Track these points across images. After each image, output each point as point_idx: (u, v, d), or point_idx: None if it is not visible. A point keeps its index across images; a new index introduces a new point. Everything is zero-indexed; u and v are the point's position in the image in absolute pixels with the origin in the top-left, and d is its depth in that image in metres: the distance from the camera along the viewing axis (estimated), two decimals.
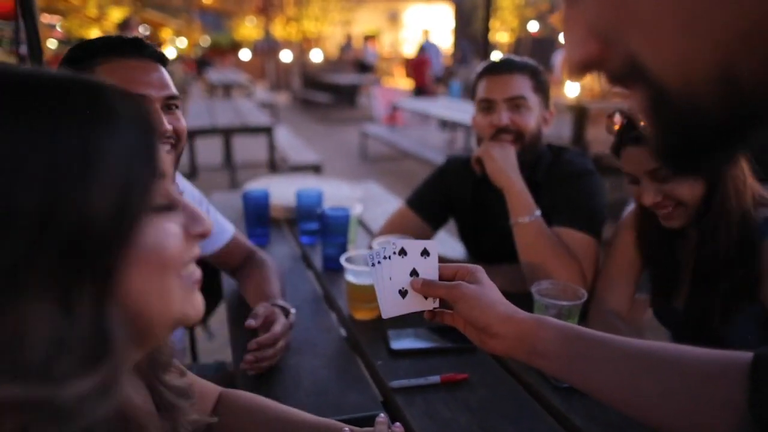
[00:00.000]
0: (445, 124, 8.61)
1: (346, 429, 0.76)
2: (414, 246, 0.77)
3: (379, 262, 0.76)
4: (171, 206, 0.47)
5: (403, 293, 0.76)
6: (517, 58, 1.47)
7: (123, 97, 0.43)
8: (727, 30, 0.28)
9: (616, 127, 1.19)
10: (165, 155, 0.46)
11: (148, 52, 1.03)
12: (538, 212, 1.33)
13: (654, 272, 1.27)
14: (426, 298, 0.77)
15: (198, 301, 0.50)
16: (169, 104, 1.05)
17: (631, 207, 1.32)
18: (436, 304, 0.78)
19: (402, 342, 1.16)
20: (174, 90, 1.06)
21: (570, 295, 1.13)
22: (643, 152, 1.13)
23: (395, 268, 0.76)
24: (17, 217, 0.35)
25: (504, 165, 1.37)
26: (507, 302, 0.74)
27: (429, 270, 0.77)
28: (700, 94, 0.30)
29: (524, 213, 1.33)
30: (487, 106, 1.44)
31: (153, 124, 0.44)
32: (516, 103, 1.41)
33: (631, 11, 0.31)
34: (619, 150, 1.18)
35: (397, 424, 0.78)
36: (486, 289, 0.74)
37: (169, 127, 1.03)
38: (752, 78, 0.29)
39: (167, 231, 0.45)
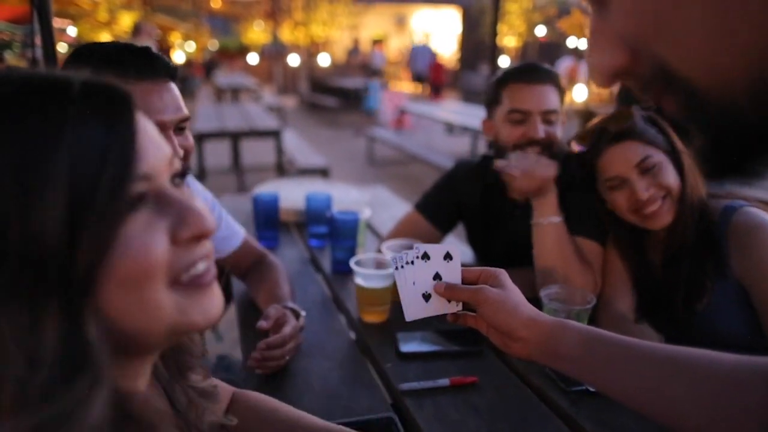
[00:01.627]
0: (452, 129, 8.62)
1: None
2: (437, 250, 0.78)
3: (402, 267, 0.77)
4: (157, 209, 0.45)
5: (426, 297, 0.77)
6: (544, 66, 1.43)
7: (91, 93, 0.42)
8: (754, 36, 0.29)
9: (577, 147, 1.26)
10: (155, 153, 0.45)
11: (160, 68, 1.00)
12: (560, 217, 1.31)
13: (635, 279, 1.29)
14: (449, 301, 0.78)
15: (211, 304, 0.48)
16: (182, 126, 1.05)
17: None
18: (459, 307, 0.79)
19: (411, 345, 1.16)
20: (185, 110, 1.05)
21: (579, 299, 1.13)
22: (626, 146, 1.17)
23: (419, 273, 0.77)
24: None
25: (539, 182, 1.32)
26: (530, 306, 0.74)
27: (452, 274, 0.78)
28: (732, 98, 0.31)
29: (547, 214, 1.31)
30: (520, 118, 1.39)
31: (128, 122, 0.43)
32: (549, 117, 1.39)
33: (660, 21, 0.31)
34: (597, 158, 1.22)
35: None
36: (509, 293, 0.74)
37: (180, 151, 1.03)
38: None
39: (144, 239, 0.42)
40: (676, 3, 0.31)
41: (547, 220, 1.31)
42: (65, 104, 0.40)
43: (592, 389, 1.02)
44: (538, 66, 1.43)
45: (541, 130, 1.38)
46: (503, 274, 0.76)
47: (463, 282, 0.78)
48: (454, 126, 7.88)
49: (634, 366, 0.66)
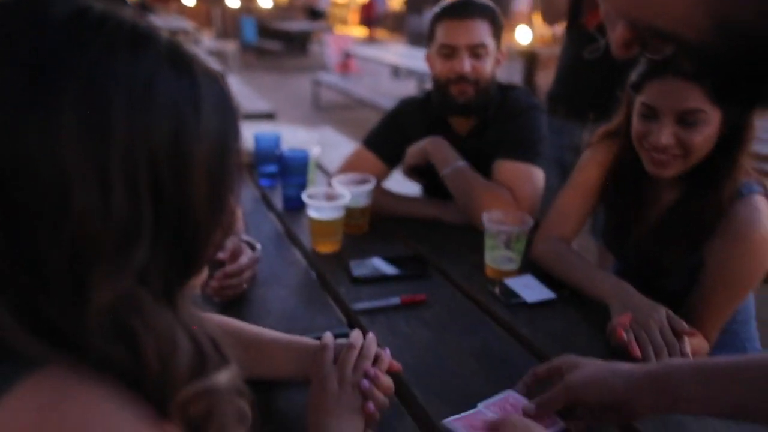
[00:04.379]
0: (397, 72, 8.55)
1: (328, 333, 0.83)
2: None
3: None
4: None
5: None
6: (478, 2, 1.46)
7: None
8: None
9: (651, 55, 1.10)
10: None
11: None
12: (460, 162, 1.46)
13: (612, 210, 1.28)
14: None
15: None
16: None
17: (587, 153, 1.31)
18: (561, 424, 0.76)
19: (363, 270, 1.23)
20: None
21: (518, 222, 1.22)
22: (686, 89, 1.02)
23: None
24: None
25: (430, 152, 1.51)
26: (616, 367, 0.74)
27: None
28: (710, 42, 0.40)
29: (446, 165, 1.47)
30: (448, 52, 1.46)
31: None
32: (477, 51, 1.45)
33: (646, 2, 0.42)
34: (653, 78, 1.06)
35: (386, 349, 0.83)
36: (590, 369, 0.74)
37: None
38: (744, 26, 0.38)
39: None
40: None
41: (451, 168, 1.45)
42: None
43: (530, 301, 1.12)
44: (469, 1, 1.47)
45: (467, 65, 1.45)
46: (569, 360, 0.77)
47: (537, 377, 0.81)
48: (400, 69, 7.83)
49: (750, 385, 0.66)
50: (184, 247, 0.44)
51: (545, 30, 6.48)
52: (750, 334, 1.27)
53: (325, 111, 7.15)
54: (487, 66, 1.47)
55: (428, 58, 1.57)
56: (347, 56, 8.37)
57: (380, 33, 13.82)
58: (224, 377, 0.46)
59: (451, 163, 1.46)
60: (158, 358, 0.41)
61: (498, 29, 1.49)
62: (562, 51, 2.08)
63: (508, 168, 1.44)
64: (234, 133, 0.47)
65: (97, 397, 0.39)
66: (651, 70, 1.07)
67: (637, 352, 0.90)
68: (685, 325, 0.94)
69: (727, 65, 0.42)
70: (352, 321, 1.08)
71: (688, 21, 0.40)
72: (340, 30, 14.06)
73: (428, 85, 1.66)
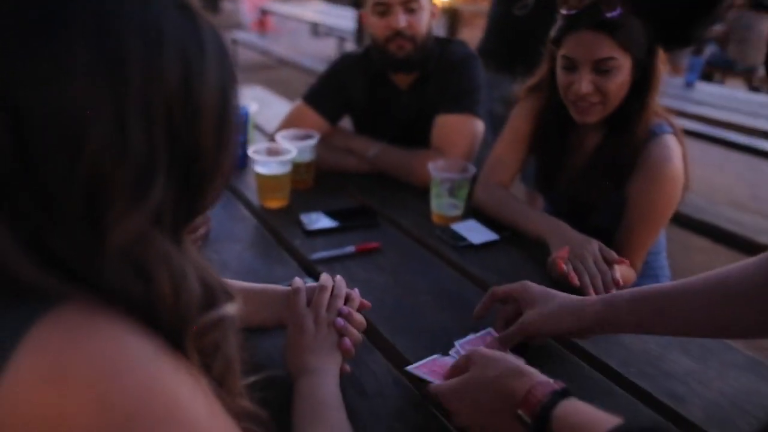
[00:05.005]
0: (317, 31, 8.36)
1: (297, 278, 0.85)
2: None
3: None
4: None
5: None
6: None
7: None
8: None
9: (565, 11, 1.16)
10: None
11: None
12: (372, 151, 1.53)
13: (542, 157, 1.37)
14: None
15: None
16: None
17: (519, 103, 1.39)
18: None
19: (315, 223, 1.25)
20: None
21: (461, 170, 1.29)
22: (598, 39, 1.11)
23: None
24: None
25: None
26: (563, 297, 0.82)
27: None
28: None
29: (369, 148, 1.54)
30: (382, 9, 1.47)
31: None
32: (411, 6, 1.47)
33: None
34: (569, 32, 1.15)
35: (355, 289, 0.86)
36: (543, 305, 0.81)
37: None
38: None
39: None
40: None
41: (375, 150, 1.52)
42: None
43: (476, 243, 1.20)
44: None
45: (402, 20, 1.47)
46: (526, 288, 0.84)
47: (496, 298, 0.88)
48: (319, 27, 7.65)
49: (682, 307, 0.74)
50: (191, 190, 0.46)
51: None
52: (661, 263, 1.43)
53: (245, 71, 6.89)
54: (423, 20, 1.50)
55: (364, 17, 1.57)
56: (263, 14, 8.06)
57: None
58: (231, 309, 0.48)
59: (371, 146, 1.53)
60: (172, 289, 0.43)
61: None
62: (491, 7, 2.15)
63: (446, 122, 1.50)
64: (233, 82, 0.48)
65: (116, 331, 0.41)
66: (567, 24, 1.16)
67: (576, 281, 1.00)
68: (614, 254, 1.05)
69: (668, 7, 0.48)
70: (310, 271, 1.11)
71: None
72: None
73: (349, 44, 1.66)
